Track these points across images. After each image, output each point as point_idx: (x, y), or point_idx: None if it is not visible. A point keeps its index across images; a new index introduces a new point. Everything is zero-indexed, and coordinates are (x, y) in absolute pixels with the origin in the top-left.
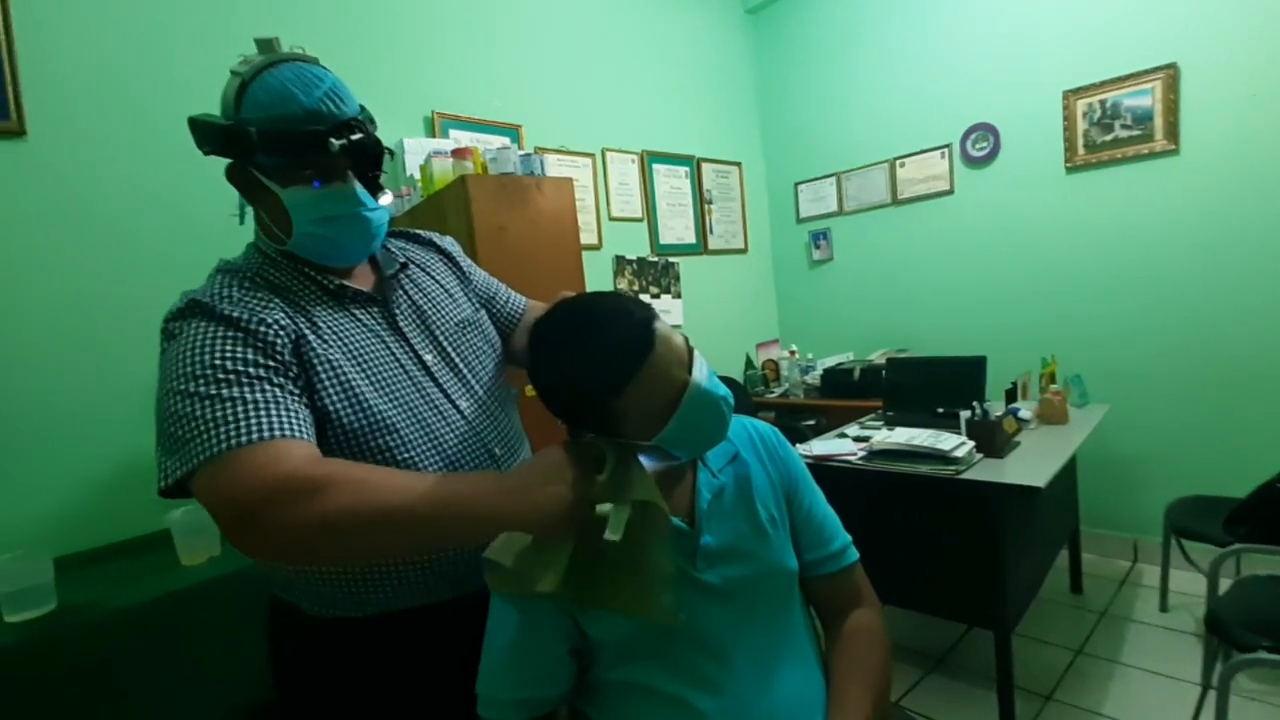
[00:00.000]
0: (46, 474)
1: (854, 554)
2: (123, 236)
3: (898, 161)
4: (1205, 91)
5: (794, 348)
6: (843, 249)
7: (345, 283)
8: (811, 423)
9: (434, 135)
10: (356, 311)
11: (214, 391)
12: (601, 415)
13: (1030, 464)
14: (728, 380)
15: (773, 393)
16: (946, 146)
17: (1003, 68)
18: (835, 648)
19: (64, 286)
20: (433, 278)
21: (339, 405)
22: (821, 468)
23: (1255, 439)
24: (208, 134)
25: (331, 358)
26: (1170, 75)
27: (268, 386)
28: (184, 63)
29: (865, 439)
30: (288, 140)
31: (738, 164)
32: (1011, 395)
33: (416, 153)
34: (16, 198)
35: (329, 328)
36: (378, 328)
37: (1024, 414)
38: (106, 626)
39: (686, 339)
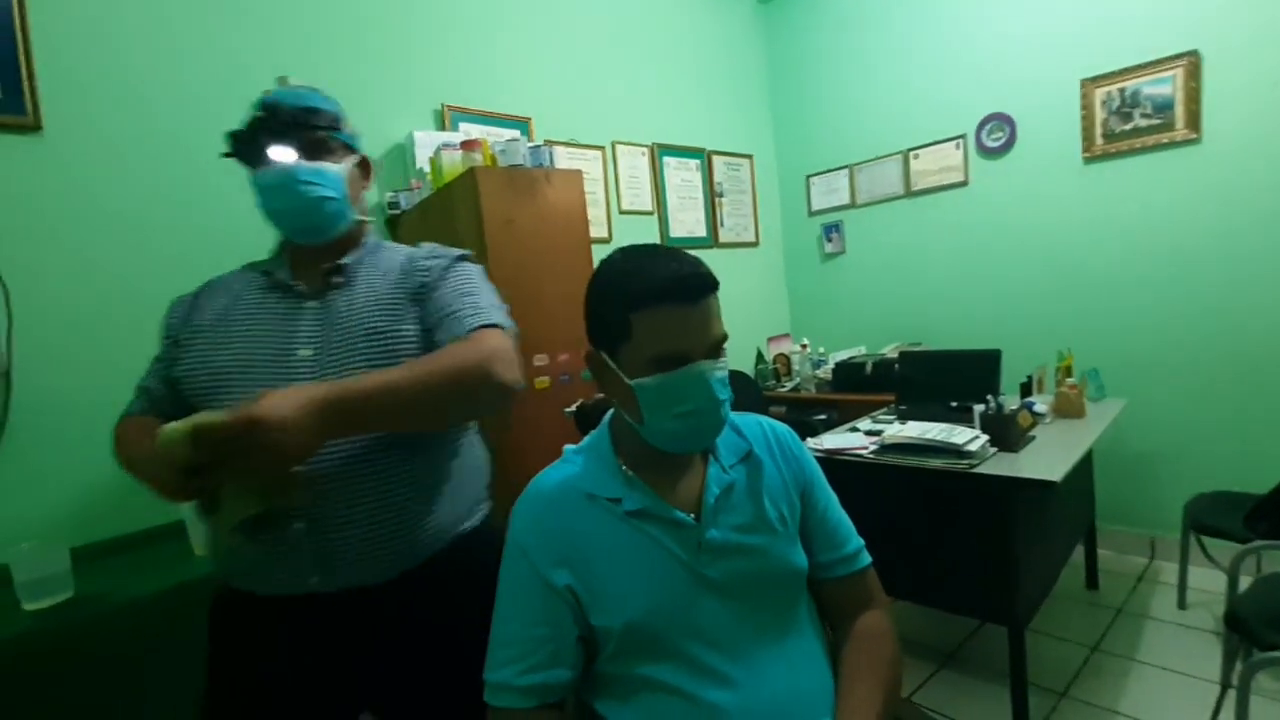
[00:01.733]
0: (64, 466)
1: (867, 558)
2: (136, 232)
3: (911, 153)
4: (1228, 79)
5: (805, 341)
6: (855, 242)
7: (272, 272)
8: (823, 417)
9: (444, 128)
10: (271, 296)
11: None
12: (614, 328)
13: (1045, 458)
14: (738, 375)
15: (784, 387)
16: (961, 137)
17: (1019, 56)
18: (844, 647)
19: (78, 281)
20: (381, 282)
21: (189, 375)
22: (833, 462)
23: (1277, 433)
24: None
25: (207, 331)
26: (1192, 63)
27: (152, 373)
28: (196, 61)
29: (877, 433)
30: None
31: (749, 156)
32: (1027, 389)
33: (426, 146)
34: (32, 193)
35: (226, 307)
36: (279, 313)
37: (1039, 408)
38: (122, 615)
39: (726, 336)
